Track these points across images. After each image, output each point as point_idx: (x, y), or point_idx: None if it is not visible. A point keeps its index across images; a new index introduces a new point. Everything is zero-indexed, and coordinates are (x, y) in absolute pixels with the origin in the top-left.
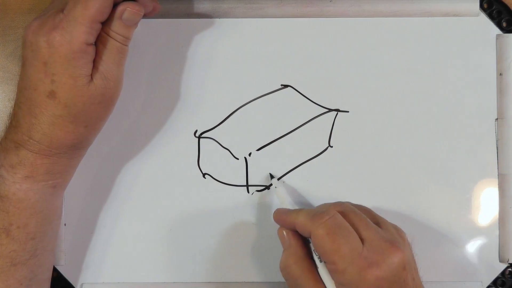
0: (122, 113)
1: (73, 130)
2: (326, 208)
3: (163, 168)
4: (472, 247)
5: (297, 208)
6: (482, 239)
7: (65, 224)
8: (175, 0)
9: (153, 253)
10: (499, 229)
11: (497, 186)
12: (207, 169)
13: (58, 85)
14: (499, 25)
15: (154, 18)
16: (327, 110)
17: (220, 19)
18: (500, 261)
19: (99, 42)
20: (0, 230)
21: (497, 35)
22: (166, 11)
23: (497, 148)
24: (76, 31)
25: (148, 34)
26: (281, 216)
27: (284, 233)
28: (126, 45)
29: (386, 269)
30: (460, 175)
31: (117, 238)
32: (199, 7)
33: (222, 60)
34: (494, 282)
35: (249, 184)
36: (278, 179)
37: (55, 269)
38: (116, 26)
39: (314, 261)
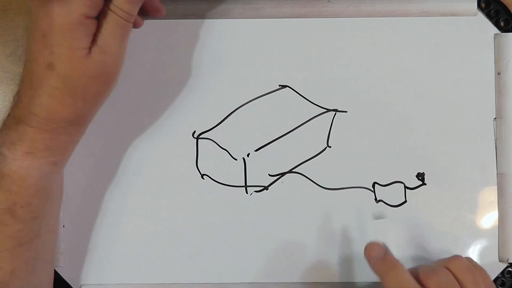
0: (120, 113)
1: (70, 104)
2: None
3: (161, 169)
4: (472, 246)
5: (387, 251)
6: (482, 239)
7: (64, 226)
8: (173, 1)
9: (152, 254)
10: (498, 228)
11: (496, 185)
12: (205, 170)
13: (56, 56)
14: (497, 24)
15: (152, 19)
16: (325, 110)
17: (218, 19)
18: (499, 261)
19: (101, 16)
20: (4, 210)
21: (495, 34)
22: None
23: (496, 147)
24: (75, 2)
25: (146, 35)
26: (376, 260)
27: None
28: (129, 22)
29: None
30: (459, 174)
31: (116, 240)
32: (197, 7)
33: (220, 61)
34: (494, 282)
35: (247, 184)
36: (275, 180)
37: (54, 271)
38: (119, 1)
39: None
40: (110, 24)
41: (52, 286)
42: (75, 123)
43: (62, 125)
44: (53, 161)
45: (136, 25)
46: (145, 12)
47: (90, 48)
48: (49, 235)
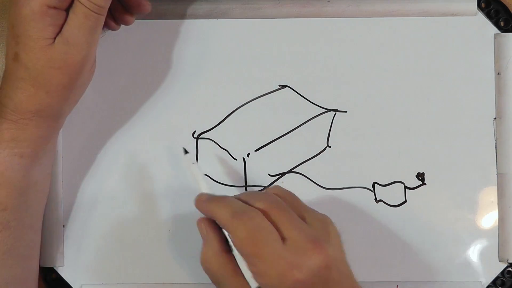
0: (120, 114)
1: (34, 94)
2: (246, 207)
3: (161, 169)
4: (472, 246)
5: (213, 194)
6: (482, 238)
7: (64, 226)
8: (173, 1)
9: (153, 254)
10: (498, 228)
11: (496, 185)
12: (205, 170)
13: (20, 47)
14: (497, 24)
15: (152, 19)
16: (325, 110)
17: (218, 19)
18: (499, 261)
19: (70, 7)
20: None
21: (495, 34)
22: (163, 12)
23: (495, 147)
24: None
25: (145, 35)
26: (202, 203)
27: (203, 225)
28: (98, 14)
29: (306, 271)
30: (459, 174)
31: (116, 239)
32: (197, 8)
33: (220, 61)
34: (494, 282)
35: (247, 184)
36: (275, 180)
37: (54, 271)
38: None
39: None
40: (77, 15)
41: (36, 285)
42: (42, 115)
43: (29, 116)
44: (19, 153)
45: (125, 23)
46: (128, 8)
47: (54, 39)
48: (23, 230)
